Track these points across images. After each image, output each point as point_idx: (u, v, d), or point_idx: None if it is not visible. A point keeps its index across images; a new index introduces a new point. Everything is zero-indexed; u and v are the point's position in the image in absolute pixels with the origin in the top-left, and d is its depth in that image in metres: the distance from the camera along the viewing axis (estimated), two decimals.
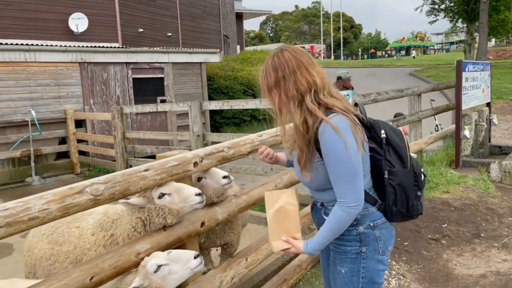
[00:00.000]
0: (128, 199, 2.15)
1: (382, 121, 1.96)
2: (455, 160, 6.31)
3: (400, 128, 1.97)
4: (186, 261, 1.90)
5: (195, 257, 1.90)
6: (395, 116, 6.99)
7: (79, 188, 1.80)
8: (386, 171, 1.81)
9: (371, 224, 1.82)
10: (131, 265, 2.04)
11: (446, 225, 4.43)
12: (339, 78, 6.86)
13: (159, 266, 1.84)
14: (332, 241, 1.84)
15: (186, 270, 1.90)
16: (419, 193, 1.87)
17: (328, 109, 1.73)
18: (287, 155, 2.13)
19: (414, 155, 1.99)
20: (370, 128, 1.85)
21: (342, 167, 1.68)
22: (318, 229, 1.90)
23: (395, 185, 1.81)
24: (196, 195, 2.13)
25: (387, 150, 1.84)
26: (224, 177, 2.49)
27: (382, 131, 1.85)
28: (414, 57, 48.89)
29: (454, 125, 6.92)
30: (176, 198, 2.14)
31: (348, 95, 3.88)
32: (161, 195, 2.14)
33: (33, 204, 1.64)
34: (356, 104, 1.97)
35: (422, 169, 1.91)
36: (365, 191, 1.79)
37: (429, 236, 4.25)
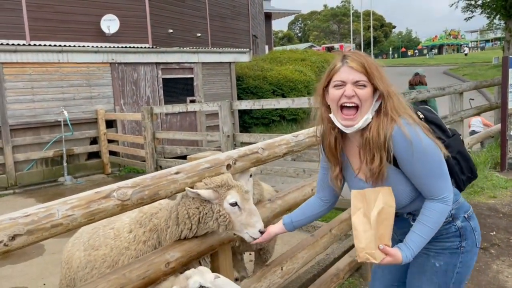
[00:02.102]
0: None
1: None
2: (501, 163, 5.92)
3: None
4: None
5: None
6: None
7: (106, 192, 1.66)
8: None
9: (466, 216, 1.78)
10: (161, 275, 1.89)
11: (494, 233, 4.11)
12: (416, 74, 7.50)
13: (202, 287, 1.64)
14: None
15: None
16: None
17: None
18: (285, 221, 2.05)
19: None
20: None
21: (432, 161, 1.61)
22: (400, 240, 1.70)
23: (455, 155, 1.80)
24: (259, 231, 1.94)
25: (431, 128, 1.77)
26: None
27: (419, 113, 1.82)
28: (466, 54, 46.89)
29: (498, 126, 6.53)
30: (243, 217, 1.94)
31: None
32: (234, 204, 1.93)
33: (57, 210, 1.51)
34: None
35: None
36: None
37: None
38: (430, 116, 1.84)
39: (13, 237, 1.38)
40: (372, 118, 1.64)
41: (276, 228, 2.02)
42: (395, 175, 1.65)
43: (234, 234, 2.22)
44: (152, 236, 2.19)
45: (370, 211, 1.61)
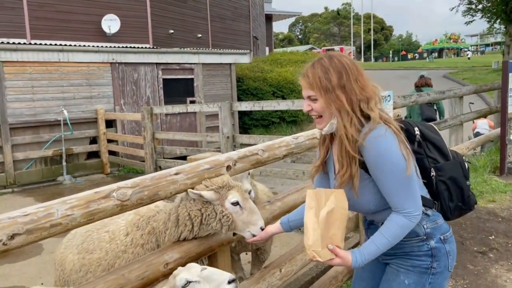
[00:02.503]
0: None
1: (410, 119, 1.84)
2: (500, 167, 5.93)
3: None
4: (218, 284, 1.68)
5: (229, 282, 1.66)
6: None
7: (105, 192, 1.65)
8: (432, 169, 1.73)
9: (442, 238, 1.71)
10: (159, 276, 1.89)
11: (493, 237, 4.11)
12: (422, 76, 7.98)
13: (189, 282, 1.65)
14: (396, 255, 1.73)
15: None
16: (468, 182, 1.81)
17: (370, 120, 1.63)
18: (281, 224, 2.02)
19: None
20: (403, 129, 1.71)
21: (396, 175, 1.56)
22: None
23: (446, 180, 1.73)
24: (261, 228, 1.99)
25: (426, 147, 1.76)
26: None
27: (416, 128, 1.77)
28: (469, 58, 46.86)
29: (497, 130, 6.54)
30: (245, 216, 1.97)
31: (389, 95, 3.66)
32: (236, 203, 1.96)
33: (56, 210, 1.51)
34: None
35: (464, 157, 1.86)
36: (422, 196, 1.68)
37: (475, 248, 3.95)
38: (431, 135, 1.79)
39: (12, 236, 1.38)
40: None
41: (273, 227, 2.04)
42: (363, 180, 1.64)
43: (234, 234, 2.23)
44: (150, 239, 2.19)
45: (320, 211, 1.63)
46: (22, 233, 1.40)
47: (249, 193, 2.38)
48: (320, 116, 1.68)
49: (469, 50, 57.86)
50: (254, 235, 1.99)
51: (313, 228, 1.62)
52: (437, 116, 7.41)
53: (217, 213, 1.95)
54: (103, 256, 2.29)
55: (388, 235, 1.60)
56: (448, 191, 1.73)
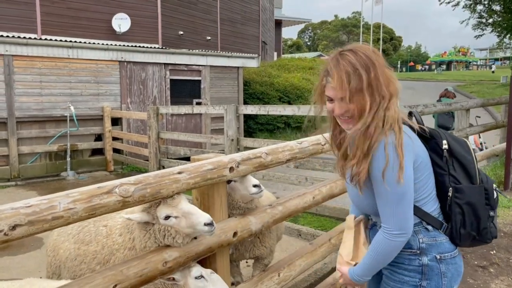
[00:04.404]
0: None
1: (444, 130, 1.73)
2: (504, 182, 5.89)
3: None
4: None
5: None
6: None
7: (108, 188, 1.66)
8: (450, 188, 1.58)
9: (438, 257, 1.59)
10: (158, 274, 1.89)
11: (494, 252, 4.08)
12: (446, 89, 8.84)
13: (202, 277, 1.81)
14: (386, 267, 1.65)
15: None
16: (492, 213, 1.62)
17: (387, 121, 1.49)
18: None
19: None
20: (429, 138, 1.63)
21: (386, 189, 1.49)
22: None
23: (462, 204, 1.57)
24: (205, 224, 1.85)
25: (451, 164, 1.60)
26: (255, 185, 2.34)
27: (444, 141, 1.61)
28: (493, 72, 46.16)
29: (503, 144, 6.50)
30: (184, 222, 1.91)
31: None
32: (167, 217, 1.91)
33: (58, 203, 1.51)
34: (410, 113, 1.74)
35: (494, 185, 1.65)
36: (427, 213, 1.58)
37: (476, 262, 3.92)
38: (460, 152, 1.62)
39: (13, 227, 1.38)
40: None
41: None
42: (368, 181, 1.56)
43: (234, 235, 2.23)
44: (133, 248, 2.19)
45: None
46: (24, 224, 1.41)
47: (258, 186, 2.37)
48: (351, 116, 1.55)
49: (493, 64, 57.34)
50: (208, 231, 1.87)
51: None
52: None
53: (158, 232, 1.95)
54: (99, 249, 2.30)
55: (371, 251, 1.60)
56: (462, 216, 1.57)
